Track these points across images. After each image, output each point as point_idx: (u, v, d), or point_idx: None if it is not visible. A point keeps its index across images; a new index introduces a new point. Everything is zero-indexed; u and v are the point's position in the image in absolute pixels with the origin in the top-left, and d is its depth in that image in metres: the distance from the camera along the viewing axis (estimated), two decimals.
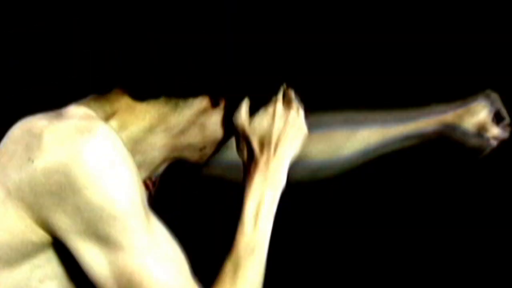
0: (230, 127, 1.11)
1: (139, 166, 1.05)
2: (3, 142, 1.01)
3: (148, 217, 0.97)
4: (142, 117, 1.05)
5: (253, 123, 1.09)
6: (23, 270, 0.97)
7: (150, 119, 1.05)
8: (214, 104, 1.09)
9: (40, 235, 0.95)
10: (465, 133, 1.30)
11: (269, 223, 1.06)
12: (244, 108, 1.10)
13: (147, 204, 0.99)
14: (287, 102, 1.11)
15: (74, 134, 0.94)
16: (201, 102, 1.08)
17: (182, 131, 1.08)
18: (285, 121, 1.09)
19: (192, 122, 1.08)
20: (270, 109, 1.10)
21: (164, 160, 1.11)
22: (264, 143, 1.08)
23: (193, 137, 1.09)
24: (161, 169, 1.13)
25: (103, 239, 0.93)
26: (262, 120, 1.09)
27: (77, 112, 1.01)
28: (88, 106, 1.03)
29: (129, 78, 1.05)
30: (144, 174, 1.09)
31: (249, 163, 1.09)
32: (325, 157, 1.34)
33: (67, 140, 0.93)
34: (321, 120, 1.33)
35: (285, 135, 1.08)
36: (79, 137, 0.94)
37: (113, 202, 0.93)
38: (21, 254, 0.96)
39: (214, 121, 1.10)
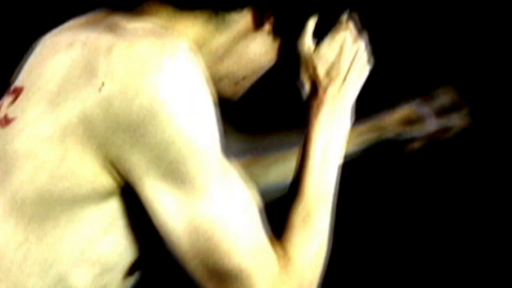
0: (274, 53, 0.97)
1: None
2: (35, 66, 0.83)
3: (223, 159, 0.83)
4: (184, 36, 0.88)
5: (320, 50, 0.97)
6: (84, 224, 0.82)
7: (193, 39, 0.89)
8: (259, 24, 0.93)
9: (106, 181, 0.80)
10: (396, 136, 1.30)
11: (337, 166, 0.94)
12: (309, 32, 0.97)
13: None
14: (354, 32, 0.99)
15: (155, 53, 0.77)
16: (245, 21, 0.92)
17: (222, 57, 0.93)
18: (355, 53, 0.97)
19: (233, 45, 0.93)
20: (338, 37, 0.97)
21: None
22: (331, 74, 0.96)
23: (232, 64, 0.95)
24: None
25: (182, 181, 0.79)
26: (330, 48, 0.97)
27: (143, 26, 0.84)
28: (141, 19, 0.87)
29: None
30: None
31: (312, 96, 0.96)
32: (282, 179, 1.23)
33: (148, 60, 0.76)
34: (280, 141, 1.25)
35: (354, 69, 0.97)
36: (162, 58, 0.77)
37: (198, 138, 0.78)
38: (83, 204, 0.81)
39: (256, 46, 0.95)
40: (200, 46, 0.90)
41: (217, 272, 0.83)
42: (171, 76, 0.77)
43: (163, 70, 0.77)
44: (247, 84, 0.99)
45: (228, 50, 0.93)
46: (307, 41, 0.97)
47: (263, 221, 0.87)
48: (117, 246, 0.86)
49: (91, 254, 0.84)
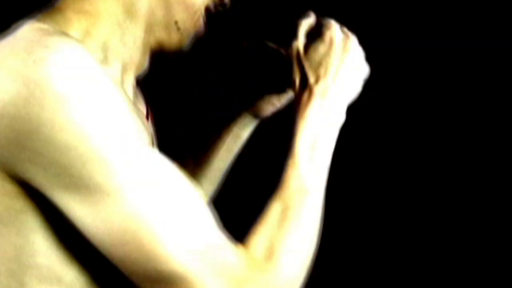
0: None
1: (125, 69, 0.90)
2: None
3: (141, 149, 0.75)
4: (105, 15, 0.86)
5: (310, 51, 0.95)
6: (15, 236, 0.77)
7: (114, 14, 0.87)
8: None
9: (24, 200, 0.76)
10: None
11: (327, 160, 0.89)
12: (300, 35, 0.96)
13: (144, 133, 0.81)
14: (343, 31, 0.97)
15: (26, 55, 0.72)
16: None
17: (149, 12, 0.90)
18: (344, 49, 0.94)
19: None
20: (327, 35, 0.95)
21: (144, 51, 0.93)
22: (320, 71, 0.93)
23: (163, 13, 0.91)
24: (146, 64, 0.95)
25: (86, 187, 0.72)
26: (319, 47, 0.94)
27: (29, 27, 0.78)
28: (41, 21, 0.82)
29: None
30: (132, 75, 0.93)
31: (302, 91, 0.93)
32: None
33: (18, 65, 0.71)
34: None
35: (346, 65, 0.94)
36: (33, 58, 0.71)
37: (87, 137, 0.71)
38: (9, 220, 0.77)
39: None
40: (122, 16, 0.88)
41: (157, 278, 0.74)
42: (47, 72, 0.71)
43: (37, 70, 0.71)
44: (186, 29, 0.94)
45: (152, 3, 0.90)
46: (298, 43, 0.96)
47: (212, 217, 0.78)
48: (61, 262, 0.79)
49: (35, 268, 0.78)
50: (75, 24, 0.84)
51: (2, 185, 0.75)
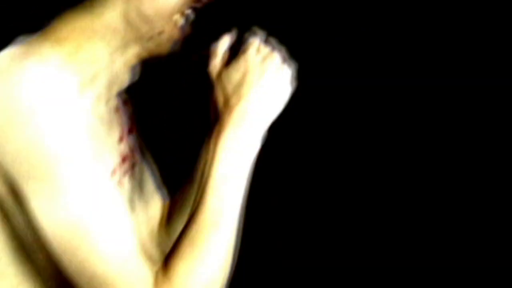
0: None
1: (110, 86, 0.95)
2: None
3: (96, 172, 0.85)
4: (97, 31, 0.91)
5: (227, 72, 0.93)
6: None
7: (105, 31, 0.92)
8: None
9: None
10: None
11: (238, 193, 0.90)
12: (218, 54, 0.95)
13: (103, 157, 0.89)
14: (263, 50, 0.94)
15: (4, 69, 0.84)
16: None
17: (127, 27, 0.92)
18: (260, 74, 0.92)
19: (127, 12, 0.91)
20: (241, 62, 0.93)
21: (130, 66, 0.96)
22: (232, 102, 0.92)
23: (141, 27, 0.92)
24: (129, 79, 0.98)
25: (44, 183, 0.83)
26: (231, 74, 0.93)
27: (14, 53, 0.87)
28: (36, 41, 0.90)
29: None
30: (116, 91, 0.97)
31: (215, 124, 0.93)
32: None
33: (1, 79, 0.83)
34: None
35: (262, 91, 0.92)
36: (8, 73, 0.83)
37: (53, 145, 0.82)
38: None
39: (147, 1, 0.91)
40: (102, 33, 0.92)
41: (83, 274, 0.85)
42: (20, 84, 0.82)
43: (12, 81, 0.83)
44: (168, 36, 0.94)
45: (126, 18, 0.92)
46: (215, 63, 0.95)
47: (137, 238, 0.88)
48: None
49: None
50: (67, 40, 0.91)
51: None
